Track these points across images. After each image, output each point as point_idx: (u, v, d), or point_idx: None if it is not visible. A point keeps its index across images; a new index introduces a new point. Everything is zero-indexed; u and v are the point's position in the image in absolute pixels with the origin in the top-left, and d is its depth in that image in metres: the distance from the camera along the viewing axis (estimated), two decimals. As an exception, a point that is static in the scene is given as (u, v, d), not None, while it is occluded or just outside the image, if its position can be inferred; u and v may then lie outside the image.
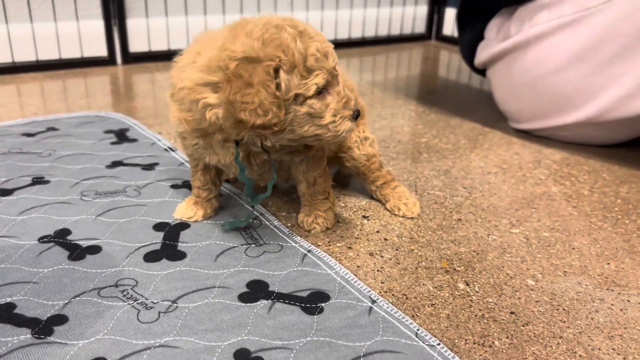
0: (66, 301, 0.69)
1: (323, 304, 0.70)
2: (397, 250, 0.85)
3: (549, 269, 0.82)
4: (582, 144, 1.32)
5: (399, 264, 0.81)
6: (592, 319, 0.71)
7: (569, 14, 1.18)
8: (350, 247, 0.85)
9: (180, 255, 0.80)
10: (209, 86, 0.70)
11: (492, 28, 1.39)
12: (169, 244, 0.83)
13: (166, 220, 0.89)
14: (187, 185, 1.01)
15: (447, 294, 0.75)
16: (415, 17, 2.60)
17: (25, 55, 1.81)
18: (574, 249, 0.88)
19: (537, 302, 0.74)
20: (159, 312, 0.68)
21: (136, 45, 1.98)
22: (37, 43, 1.82)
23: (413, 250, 0.85)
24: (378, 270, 0.79)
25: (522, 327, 0.69)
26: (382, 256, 0.83)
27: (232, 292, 0.72)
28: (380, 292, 0.74)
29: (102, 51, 1.94)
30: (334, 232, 0.89)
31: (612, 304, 0.74)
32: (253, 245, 0.83)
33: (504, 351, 0.65)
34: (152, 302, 0.70)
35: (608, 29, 1.12)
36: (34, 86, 1.67)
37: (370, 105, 1.59)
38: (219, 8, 2.09)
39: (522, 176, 1.14)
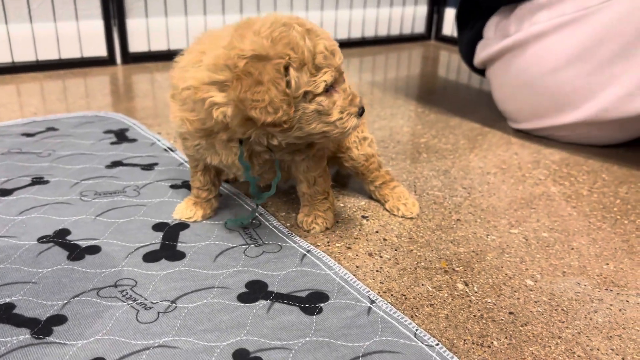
0: (65, 301, 0.69)
1: (322, 304, 0.71)
2: (396, 250, 0.85)
3: (548, 269, 0.82)
4: (582, 144, 1.32)
5: (398, 264, 0.81)
6: (590, 319, 0.71)
7: (569, 12, 1.18)
8: (349, 247, 0.85)
9: (179, 256, 0.80)
10: (215, 85, 0.70)
11: (491, 27, 1.39)
12: (168, 244, 0.83)
13: (165, 221, 0.89)
14: (186, 185, 1.01)
15: (446, 294, 0.75)
16: (414, 17, 2.60)
17: (25, 55, 1.81)
18: (573, 249, 0.88)
19: (536, 302, 0.74)
20: (158, 312, 0.68)
21: (136, 45, 1.99)
22: (37, 43, 1.82)
23: (412, 250, 0.85)
24: (377, 271, 0.80)
25: (520, 328, 0.69)
26: (381, 256, 0.83)
27: (231, 292, 0.72)
28: (379, 292, 0.74)
29: (101, 51, 1.94)
30: (333, 232, 0.89)
31: (611, 304, 0.74)
32: (252, 245, 0.84)
33: (503, 351, 0.65)
34: (151, 302, 0.70)
35: (608, 28, 1.12)
36: (33, 86, 1.67)
37: (369, 105, 1.60)
38: (218, 8, 2.09)
39: (521, 176, 1.14)
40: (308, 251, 0.82)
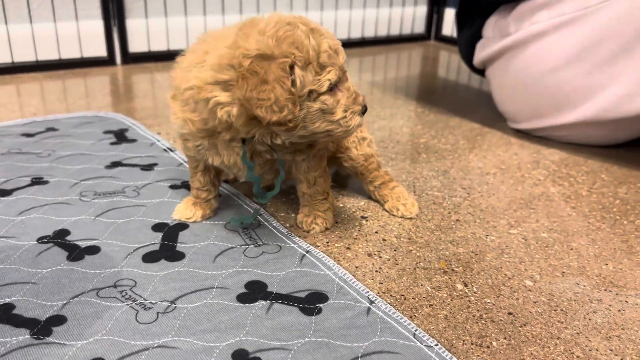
0: (65, 302, 0.69)
1: (321, 305, 0.71)
2: (395, 250, 0.85)
3: (547, 270, 0.82)
4: (581, 145, 1.32)
5: (397, 264, 0.82)
6: (589, 319, 0.71)
7: (569, 12, 1.18)
8: (348, 248, 0.85)
9: (178, 256, 0.80)
10: (219, 85, 0.70)
11: (490, 26, 1.39)
12: (167, 245, 0.83)
13: (165, 221, 0.89)
14: (186, 185, 1.01)
15: (445, 295, 0.75)
16: (414, 18, 2.60)
17: (24, 55, 1.81)
18: (572, 249, 0.88)
19: (535, 302, 0.74)
20: (158, 313, 0.68)
21: (136, 45, 1.99)
22: (37, 43, 1.82)
23: (411, 250, 0.85)
24: (376, 271, 0.80)
25: (519, 328, 0.69)
26: (380, 257, 0.83)
27: (231, 293, 0.72)
28: (378, 293, 0.75)
29: (101, 51, 1.94)
30: (333, 232, 0.89)
31: (610, 305, 0.74)
32: (252, 245, 0.84)
33: (502, 352, 0.65)
34: (151, 302, 0.70)
35: (607, 28, 1.12)
36: (33, 86, 1.67)
37: (369, 105, 1.59)
38: (218, 8, 2.09)
39: (520, 177, 1.14)
40: (307, 251, 0.82)
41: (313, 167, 0.86)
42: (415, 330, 0.67)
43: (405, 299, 0.74)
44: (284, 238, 0.86)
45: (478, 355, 0.64)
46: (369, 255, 0.84)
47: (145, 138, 1.25)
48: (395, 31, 2.57)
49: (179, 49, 2.02)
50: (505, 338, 0.67)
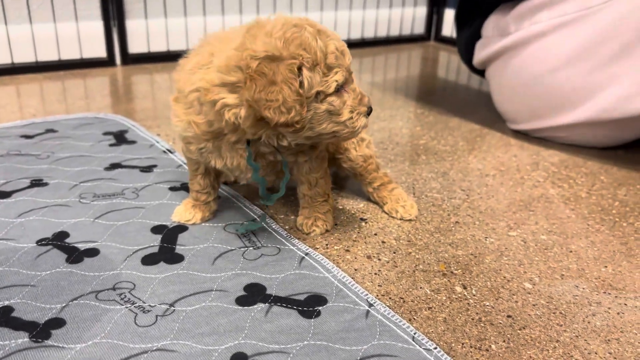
0: (64, 304, 0.69)
1: (320, 308, 0.71)
2: (394, 253, 0.85)
3: (546, 272, 0.82)
4: (581, 146, 1.32)
5: (396, 267, 0.82)
6: (588, 322, 0.71)
7: (570, 12, 1.18)
8: (348, 250, 0.85)
9: (177, 258, 0.80)
10: (226, 86, 0.71)
11: (490, 25, 1.38)
12: (166, 247, 0.83)
13: (164, 223, 0.89)
14: (185, 187, 1.01)
15: (444, 297, 0.75)
16: (414, 18, 2.60)
17: (24, 56, 1.81)
18: (571, 252, 0.88)
19: (534, 305, 0.74)
20: (156, 316, 0.68)
21: (135, 46, 1.99)
22: (37, 44, 1.82)
23: (410, 253, 0.85)
24: (375, 274, 0.80)
25: (518, 331, 0.69)
26: (379, 259, 0.83)
27: (230, 296, 0.72)
28: (377, 296, 0.75)
29: (101, 52, 1.94)
30: (332, 234, 0.89)
31: (609, 308, 0.74)
32: (251, 248, 0.84)
33: (501, 355, 0.65)
34: (150, 305, 0.70)
35: (609, 28, 1.12)
36: (33, 87, 1.67)
37: (369, 106, 1.59)
38: (218, 9, 2.09)
39: (520, 178, 1.14)
40: (306, 254, 0.82)
41: (315, 169, 0.86)
42: (414, 334, 0.67)
43: (404, 301, 0.74)
44: (283, 240, 0.86)
45: (477, 359, 0.64)
46: (368, 257, 0.84)
47: (145, 139, 1.25)
48: (395, 32, 2.57)
49: (178, 49, 2.03)
50: (504, 341, 0.67)
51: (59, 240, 0.83)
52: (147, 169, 1.09)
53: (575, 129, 1.26)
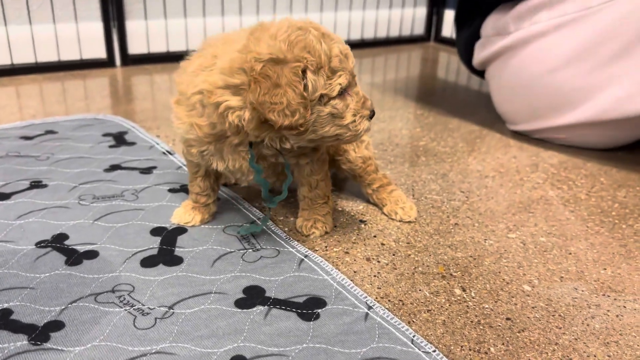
0: (63, 307, 0.69)
1: (319, 310, 0.71)
2: (394, 255, 0.85)
3: (546, 275, 0.82)
4: (580, 148, 1.32)
5: (395, 269, 0.82)
6: (588, 325, 0.71)
7: (570, 12, 1.18)
8: (347, 252, 0.85)
9: (177, 261, 0.80)
10: (229, 89, 0.71)
11: (489, 25, 1.38)
12: (166, 249, 0.83)
13: (163, 225, 0.89)
14: (184, 189, 1.01)
15: (443, 300, 0.75)
16: (414, 19, 2.60)
17: (24, 57, 1.81)
18: (570, 254, 0.88)
19: (533, 308, 0.74)
20: (156, 318, 0.68)
21: (135, 47, 1.99)
22: (36, 45, 1.82)
23: (410, 255, 0.85)
24: (375, 276, 0.80)
25: (517, 334, 0.69)
26: (378, 261, 0.83)
27: (229, 298, 0.72)
28: (376, 298, 0.75)
29: (101, 53, 1.94)
30: (331, 236, 0.89)
31: (608, 310, 0.74)
32: (250, 250, 0.84)
33: (500, 358, 0.65)
34: (149, 308, 0.70)
35: (609, 28, 1.12)
36: (32, 88, 1.67)
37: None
38: (217, 10, 2.09)
39: (519, 180, 1.14)
40: (306, 256, 0.82)
41: (316, 171, 0.86)
42: (413, 336, 0.67)
43: (403, 304, 0.74)
44: (283, 242, 0.86)
45: (476, 361, 0.64)
46: (368, 259, 0.84)
47: (145, 141, 1.25)
48: (394, 32, 2.57)
49: (178, 50, 2.03)
50: (503, 344, 0.67)
51: (58, 242, 0.83)
52: (147, 170, 1.09)
53: (575, 129, 1.26)
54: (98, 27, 1.90)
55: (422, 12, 2.62)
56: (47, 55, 1.85)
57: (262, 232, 0.89)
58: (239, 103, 0.70)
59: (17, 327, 0.65)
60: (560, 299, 0.76)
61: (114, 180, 1.04)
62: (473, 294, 0.76)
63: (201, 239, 0.86)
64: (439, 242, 0.89)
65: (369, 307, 0.72)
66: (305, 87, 0.69)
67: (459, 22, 1.54)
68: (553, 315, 0.73)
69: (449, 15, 2.55)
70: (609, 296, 0.77)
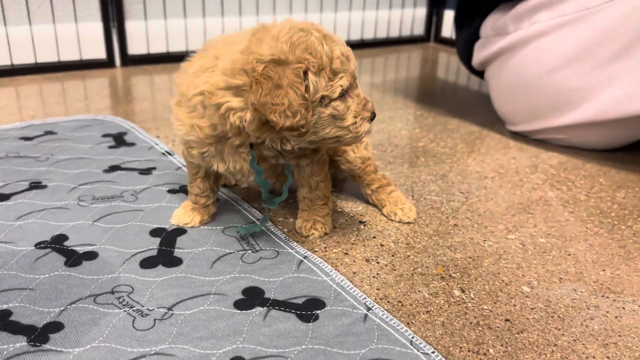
0: (62, 308, 0.69)
1: (318, 311, 0.71)
2: (393, 256, 0.85)
3: (545, 276, 0.82)
4: (580, 148, 1.32)
5: (394, 270, 0.82)
6: (587, 326, 0.71)
7: (569, 13, 1.18)
8: (346, 253, 0.85)
9: (176, 262, 0.80)
10: (230, 90, 0.71)
11: (489, 25, 1.38)
12: (165, 250, 0.83)
13: (163, 226, 0.89)
14: (184, 190, 1.01)
15: (442, 301, 0.75)
16: (414, 19, 2.60)
17: (23, 57, 1.81)
18: (569, 255, 0.88)
19: (532, 309, 0.74)
20: (155, 320, 0.68)
21: (135, 47, 1.99)
22: (36, 45, 1.82)
23: (409, 256, 0.85)
24: (374, 277, 0.80)
25: (516, 335, 0.69)
26: (378, 262, 0.83)
27: (228, 299, 0.72)
28: (375, 299, 0.75)
29: (100, 53, 1.94)
30: (331, 237, 0.89)
31: (607, 311, 0.74)
32: (249, 251, 0.84)
33: (499, 359, 0.65)
34: (148, 309, 0.70)
35: (608, 28, 1.12)
36: (32, 89, 1.67)
37: (368, 108, 1.59)
38: (217, 10, 2.09)
39: (518, 181, 1.14)
40: (305, 257, 0.82)
41: (316, 172, 0.86)
42: (412, 338, 0.67)
43: (402, 305, 0.74)
44: (282, 243, 0.86)
45: (475, 363, 0.64)
46: (367, 260, 0.84)
47: (144, 141, 1.25)
48: (394, 33, 2.57)
49: (178, 51, 2.03)
50: (502, 345, 0.67)
51: (57, 243, 0.83)
52: (146, 171, 1.09)
53: (575, 129, 1.26)
54: (98, 27, 1.90)
55: (421, 12, 2.62)
56: (46, 56, 1.85)
57: (262, 233, 0.89)
58: (240, 104, 0.71)
59: (17, 328, 0.65)
60: (560, 300, 0.76)
61: (114, 181, 1.04)
62: (472, 295, 0.77)
63: (200, 240, 0.86)
64: (438, 243, 0.89)
65: (368, 308, 0.72)
66: (307, 88, 0.69)
67: (458, 22, 1.54)
68: (552, 317, 0.73)
69: (449, 16, 2.55)
70: (608, 297, 0.77)
